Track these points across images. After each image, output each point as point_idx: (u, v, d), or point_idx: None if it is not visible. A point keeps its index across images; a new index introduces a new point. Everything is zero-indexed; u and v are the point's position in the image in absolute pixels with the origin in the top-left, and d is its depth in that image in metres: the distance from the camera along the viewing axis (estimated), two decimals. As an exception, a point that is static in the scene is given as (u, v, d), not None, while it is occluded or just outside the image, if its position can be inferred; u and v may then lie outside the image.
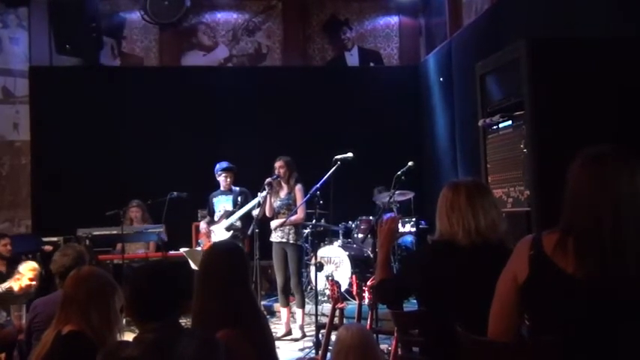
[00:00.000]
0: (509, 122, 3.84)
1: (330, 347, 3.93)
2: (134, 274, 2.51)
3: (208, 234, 6.87)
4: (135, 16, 9.32)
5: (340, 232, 8.16)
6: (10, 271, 5.83)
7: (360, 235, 7.84)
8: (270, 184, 6.38)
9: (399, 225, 7.78)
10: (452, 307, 2.50)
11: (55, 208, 8.42)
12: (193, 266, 5.91)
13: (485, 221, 2.58)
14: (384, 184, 7.86)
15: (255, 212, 6.46)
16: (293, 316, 6.52)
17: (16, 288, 4.73)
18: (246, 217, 6.74)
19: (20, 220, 8.91)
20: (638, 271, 1.74)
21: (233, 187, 7.00)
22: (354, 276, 5.56)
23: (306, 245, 7.86)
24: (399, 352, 3.43)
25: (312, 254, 7.28)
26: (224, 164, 6.96)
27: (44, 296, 3.63)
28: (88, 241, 7.01)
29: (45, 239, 7.21)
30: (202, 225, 7.11)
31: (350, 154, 5.86)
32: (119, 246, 7.48)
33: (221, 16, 9.66)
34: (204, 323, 2.58)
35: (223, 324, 2.55)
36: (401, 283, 2.82)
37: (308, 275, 7.90)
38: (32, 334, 3.41)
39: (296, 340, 6.26)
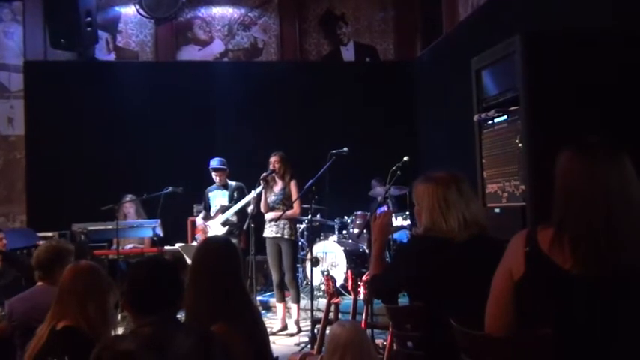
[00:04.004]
0: (505, 117, 3.83)
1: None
2: (132, 268, 2.52)
3: (205, 231, 6.87)
4: (130, 10, 9.28)
5: (336, 227, 8.17)
6: (6, 267, 5.82)
7: (356, 230, 7.84)
8: (265, 179, 6.39)
9: (393, 219, 7.79)
10: (448, 301, 2.50)
11: (50, 203, 8.41)
12: (189, 262, 5.90)
13: (476, 208, 2.59)
14: (380, 177, 7.87)
15: (250, 209, 6.48)
16: (288, 311, 6.53)
17: None
18: (242, 213, 6.75)
19: (15, 216, 8.90)
20: (633, 262, 1.74)
21: (229, 182, 7.00)
22: (349, 271, 5.56)
23: (302, 240, 7.87)
24: (395, 347, 3.43)
25: (307, 249, 7.28)
26: (215, 164, 6.94)
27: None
28: (83, 236, 7.01)
29: (40, 234, 7.19)
30: (199, 221, 7.10)
31: (345, 149, 5.87)
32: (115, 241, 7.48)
33: (217, 10, 9.64)
34: (196, 317, 2.59)
35: (215, 318, 2.56)
36: (394, 278, 2.82)
37: (304, 270, 7.90)
38: (14, 332, 3.42)
39: (292, 334, 6.28)
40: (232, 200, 6.85)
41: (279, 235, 6.38)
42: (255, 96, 9.07)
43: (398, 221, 7.96)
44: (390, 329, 3.66)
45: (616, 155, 1.83)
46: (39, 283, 3.56)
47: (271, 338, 4.33)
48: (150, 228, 7.27)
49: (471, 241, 2.56)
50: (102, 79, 8.91)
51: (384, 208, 7.61)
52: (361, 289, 4.57)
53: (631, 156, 1.85)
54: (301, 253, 7.77)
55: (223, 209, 6.84)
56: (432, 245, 2.67)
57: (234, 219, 6.83)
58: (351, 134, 7.88)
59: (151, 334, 2.21)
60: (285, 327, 6.42)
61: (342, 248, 7.59)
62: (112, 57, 9.40)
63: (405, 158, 5.35)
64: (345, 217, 8.23)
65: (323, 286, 5.28)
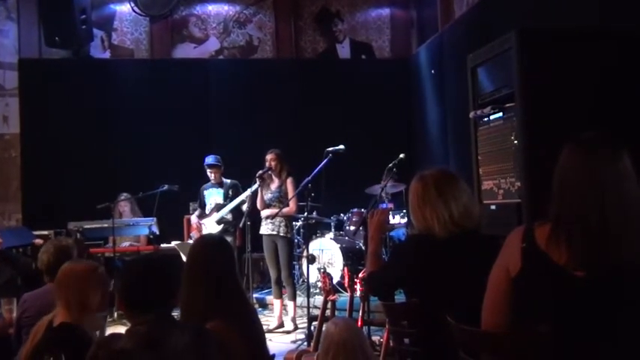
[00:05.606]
0: (500, 114, 3.84)
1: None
2: (127, 267, 2.51)
3: (200, 229, 6.87)
4: (125, 8, 9.26)
5: (332, 224, 8.17)
6: (1, 266, 5.81)
7: (352, 228, 7.85)
8: (261, 176, 6.39)
9: (390, 216, 7.80)
10: (439, 299, 2.51)
11: (45, 201, 8.39)
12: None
13: (458, 210, 2.57)
14: (376, 176, 7.86)
15: (245, 207, 6.49)
16: (285, 309, 6.54)
17: None
18: (237, 211, 6.74)
19: (11, 214, 8.86)
20: (628, 258, 1.75)
21: (224, 180, 7.00)
22: (345, 268, 5.57)
23: (298, 238, 7.87)
24: (391, 344, 3.44)
25: (304, 247, 7.29)
26: (210, 160, 6.95)
27: (33, 290, 3.62)
28: (79, 235, 7.00)
29: (36, 233, 7.18)
30: (194, 219, 7.10)
31: (341, 147, 5.87)
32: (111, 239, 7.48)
33: (212, 8, 9.61)
34: (191, 315, 2.59)
35: (211, 315, 2.56)
36: (389, 276, 2.83)
37: (300, 268, 7.91)
38: (22, 328, 3.41)
39: (288, 332, 6.28)
40: (227, 198, 6.85)
41: (275, 232, 6.37)
42: (250, 93, 9.07)
43: (395, 219, 7.97)
44: (387, 326, 3.67)
45: (614, 152, 1.83)
46: (49, 284, 3.54)
47: (268, 336, 4.35)
48: (146, 226, 7.26)
49: (457, 239, 2.56)
50: (97, 77, 8.88)
51: (387, 205, 7.64)
52: (358, 287, 4.57)
53: (629, 153, 1.85)
54: (297, 250, 7.77)
55: (218, 207, 6.83)
56: (419, 243, 2.69)
57: (229, 217, 6.83)
58: (347, 131, 7.87)
59: (147, 332, 2.21)
60: (281, 324, 6.42)
61: (339, 245, 7.60)
62: (107, 55, 9.36)
63: (401, 155, 5.35)
64: (342, 215, 8.23)
65: (319, 284, 5.29)
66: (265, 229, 6.45)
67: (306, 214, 6.16)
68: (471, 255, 2.53)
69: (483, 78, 4.11)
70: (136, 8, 8.93)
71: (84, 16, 8.37)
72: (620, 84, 3.52)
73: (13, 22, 8.98)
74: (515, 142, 3.63)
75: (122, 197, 7.69)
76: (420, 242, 2.70)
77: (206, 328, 2.41)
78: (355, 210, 8.03)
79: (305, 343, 5.50)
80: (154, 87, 8.91)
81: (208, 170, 6.95)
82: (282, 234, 6.36)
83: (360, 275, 4.55)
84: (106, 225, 7.04)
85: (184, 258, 6.09)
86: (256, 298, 7.43)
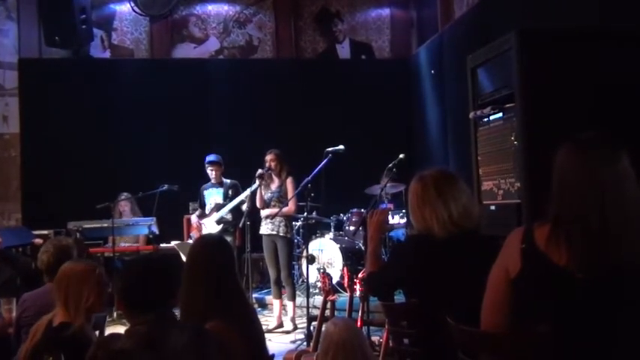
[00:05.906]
0: (500, 114, 3.84)
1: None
2: (126, 267, 2.51)
3: (200, 228, 6.87)
4: (125, 7, 9.26)
5: (332, 224, 8.17)
6: (1, 265, 5.80)
7: (352, 228, 7.85)
8: (261, 176, 6.39)
9: (390, 216, 7.80)
10: (438, 299, 2.51)
11: (45, 201, 8.39)
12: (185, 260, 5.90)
13: (457, 210, 2.58)
14: (376, 176, 7.87)
15: (244, 207, 6.49)
16: (284, 309, 6.54)
17: None
18: (237, 210, 6.74)
19: (10, 214, 8.86)
20: (628, 259, 1.74)
21: (224, 180, 7.00)
22: (345, 268, 5.57)
23: (298, 238, 7.87)
24: (391, 344, 3.43)
25: (303, 247, 7.28)
26: (211, 157, 6.96)
27: (33, 290, 3.62)
28: (78, 234, 6.99)
29: (35, 232, 7.18)
30: (193, 219, 7.10)
31: (341, 147, 5.87)
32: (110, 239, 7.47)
33: (212, 8, 9.62)
34: (191, 315, 2.59)
35: (210, 315, 2.56)
36: (389, 276, 2.83)
37: (300, 268, 7.90)
38: (21, 328, 3.40)
39: (287, 332, 6.28)
40: (227, 198, 6.85)
41: (274, 232, 6.37)
42: (250, 93, 9.07)
43: (395, 219, 7.97)
44: (386, 326, 3.67)
45: (613, 152, 1.83)
46: (49, 284, 3.54)
47: (267, 336, 4.34)
48: (145, 226, 7.26)
49: (456, 239, 2.56)
50: (97, 77, 8.88)
51: (387, 205, 7.64)
52: (357, 287, 4.57)
53: (628, 153, 1.85)
54: (297, 250, 7.77)
55: (218, 207, 6.83)
56: (418, 243, 2.69)
57: (228, 217, 6.83)
58: (346, 132, 7.87)
59: (146, 332, 2.21)
60: (281, 324, 6.42)
61: (338, 246, 7.59)
62: (107, 54, 9.36)
63: (401, 155, 5.35)
64: (341, 215, 8.23)
65: (319, 284, 5.29)
66: (265, 229, 6.45)
67: (305, 214, 6.16)
68: (471, 255, 2.53)
69: (483, 78, 4.10)
70: (135, 8, 8.94)
71: (84, 16, 8.37)
72: (620, 84, 3.52)
73: (13, 21, 8.98)
74: (515, 142, 3.63)
75: (122, 197, 7.69)
76: (419, 242, 2.70)
77: (205, 328, 2.41)
78: (355, 210, 8.03)
79: (304, 343, 5.50)
80: (154, 87, 8.91)
81: (209, 168, 6.94)
82: (281, 234, 6.36)
83: (360, 275, 4.55)
84: (105, 225, 7.03)
85: (184, 258, 6.10)
86: (256, 298, 7.42)
